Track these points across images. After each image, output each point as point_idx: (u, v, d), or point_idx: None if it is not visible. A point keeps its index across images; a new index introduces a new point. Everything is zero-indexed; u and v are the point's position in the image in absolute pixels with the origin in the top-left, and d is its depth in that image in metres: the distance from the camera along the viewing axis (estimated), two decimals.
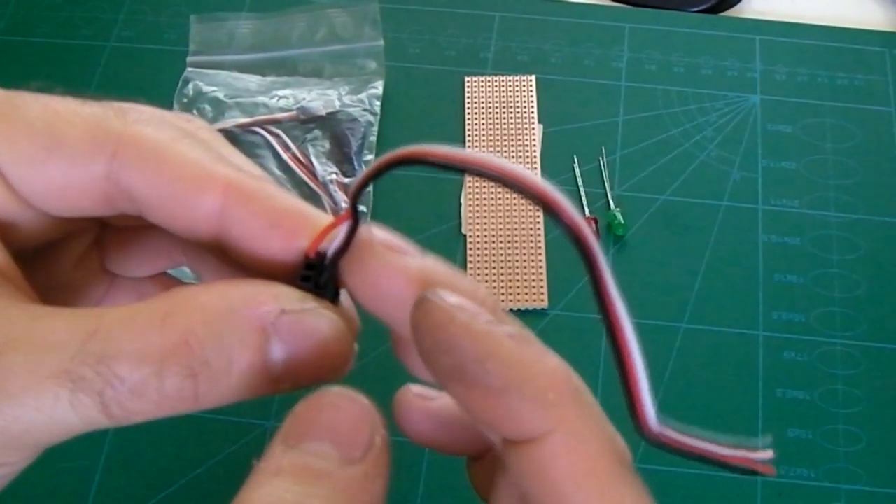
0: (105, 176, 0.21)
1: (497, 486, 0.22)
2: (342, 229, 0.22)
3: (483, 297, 0.21)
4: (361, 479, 0.19)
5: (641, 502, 0.19)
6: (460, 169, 0.19)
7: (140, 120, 0.22)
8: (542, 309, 0.47)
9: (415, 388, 0.25)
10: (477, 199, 0.50)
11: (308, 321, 0.20)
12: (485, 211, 0.50)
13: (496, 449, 0.21)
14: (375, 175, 0.21)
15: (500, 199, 0.50)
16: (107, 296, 0.27)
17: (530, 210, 0.50)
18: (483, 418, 0.19)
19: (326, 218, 0.22)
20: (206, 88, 0.53)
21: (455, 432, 0.25)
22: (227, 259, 0.23)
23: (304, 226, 0.22)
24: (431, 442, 0.25)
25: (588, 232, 0.19)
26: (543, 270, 0.48)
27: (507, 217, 0.49)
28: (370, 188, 0.50)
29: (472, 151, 0.19)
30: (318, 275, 0.22)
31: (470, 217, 0.50)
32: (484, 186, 0.51)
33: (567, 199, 0.19)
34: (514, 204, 0.50)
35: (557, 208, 0.19)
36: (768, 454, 0.21)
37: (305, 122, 0.52)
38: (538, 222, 0.49)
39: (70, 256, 0.25)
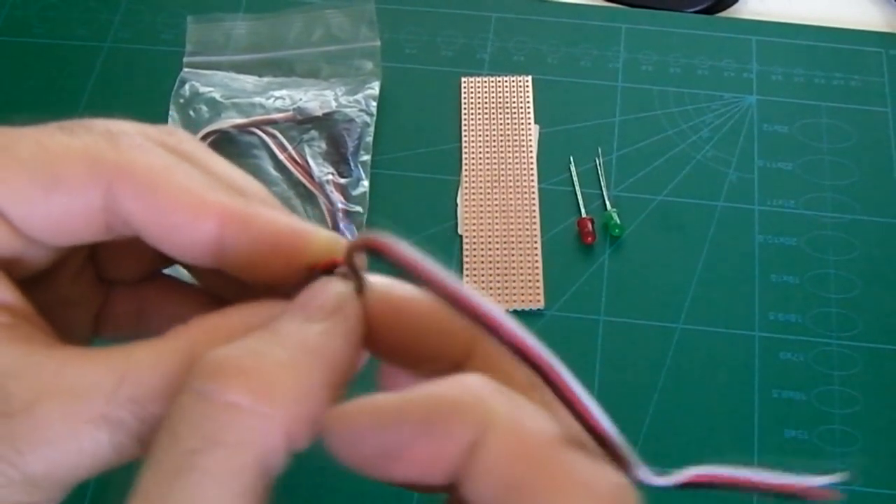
0: (102, 207, 0.22)
1: None
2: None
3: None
4: (318, 335, 0.20)
5: (596, 464, 0.19)
6: (416, 279, 0.20)
7: (132, 146, 0.22)
8: (539, 310, 0.47)
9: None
10: (473, 199, 0.50)
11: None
12: (481, 212, 0.50)
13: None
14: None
15: (496, 200, 0.50)
16: (106, 303, 0.27)
17: (527, 211, 0.50)
18: (435, 475, 0.19)
19: (323, 232, 0.23)
20: (202, 89, 0.53)
21: None
22: (227, 289, 0.24)
23: (301, 245, 0.22)
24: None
25: (537, 350, 0.20)
26: (540, 271, 0.48)
27: (504, 218, 0.49)
28: (366, 188, 0.50)
29: (436, 271, 0.20)
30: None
31: (466, 218, 0.50)
32: (481, 187, 0.51)
33: (511, 321, 0.19)
34: (511, 205, 0.50)
35: (501, 331, 0.19)
36: (829, 479, 0.20)
37: (302, 122, 0.52)
38: (535, 223, 0.49)
39: (67, 273, 0.26)
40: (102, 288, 0.27)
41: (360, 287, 0.22)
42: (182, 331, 0.21)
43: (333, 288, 0.21)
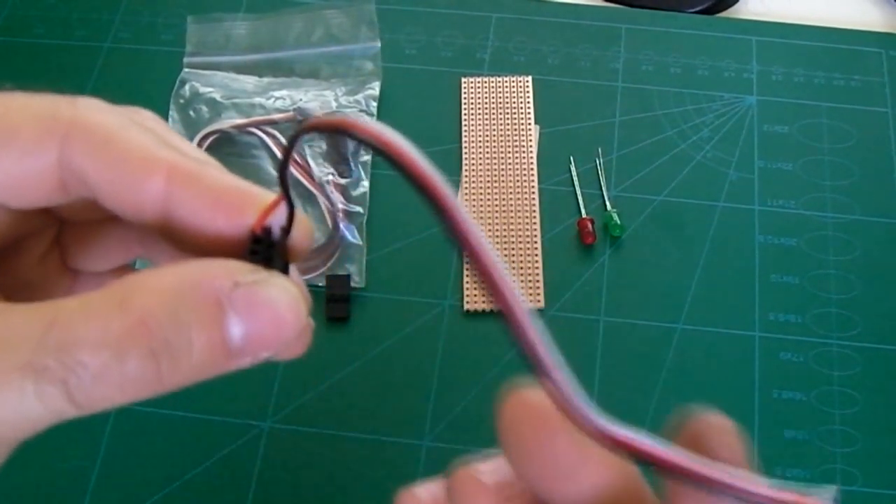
0: (58, 163, 0.22)
1: None
2: (283, 206, 0.22)
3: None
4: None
5: None
6: (375, 149, 0.20)
7: (89, 106, 0.23)
8: (539, 310, 0.47)
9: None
10: (474, 199, 0.50)
11: (261, 291, 0.20)
12: (481, 212, 0.50)
13: None
14: (294, 142, 0.21)
15: (496, 200, 0.50)
16: (70, 292, 0.27)
17: (527, 211, 0.50)
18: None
19: (269, 194, 0.23)
20: (202, 89, 0.53)
21: None
22: (181, 246, 0.23)
23: (247, 202, 0.22)
24: None
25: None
26: (540, 271, 0.48)
27: (504, 218, 0.49)
28: (366, 188, 0.50)
29: (393, 137, 0.20)
30: (266, 249, 0.22)
31: None
32: (481, 187, 0.51)
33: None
34: (511, 205, 0.50)
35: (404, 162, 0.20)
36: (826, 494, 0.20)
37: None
38: (535, 223, 0.49)
39: (31, 256, 0.26)
40: (68, 275, 0.27)
41: (285, 236, 0.22)
42: (114, 283, 0.20)
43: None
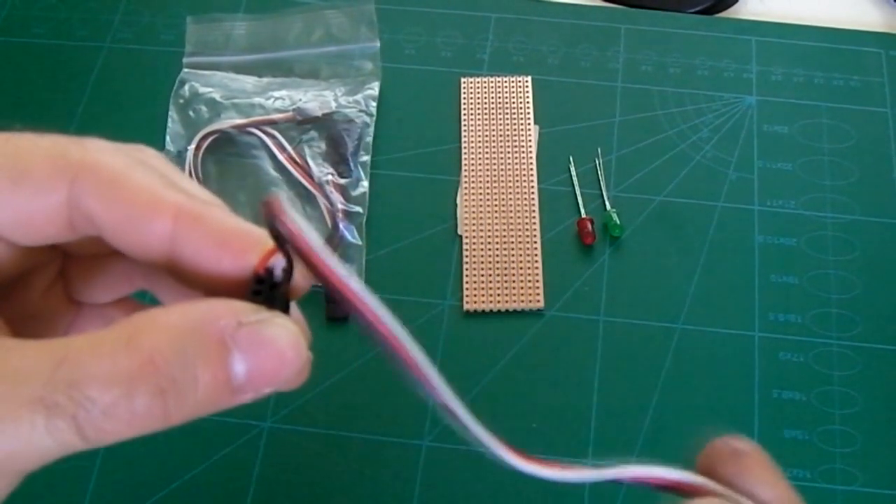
0: (66, 202, 0.23)
1: None
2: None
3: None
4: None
5: None
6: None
7: (98, 148, 0.24)
8: (539, 310, 0.47)
9: None
10: (473, 200, 0.50)
11: (264, 330, 0.21)
12: (481, 212, 0.50)
13: None
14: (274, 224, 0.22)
15: (496, 200, 0.50)
16: (74, 323, 0.28)
17: (527, 211, 0.50)
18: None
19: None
20: (202, 89, 0.53)
21: None
22: (185, 282, 0.24)
23: (250, 245, 0.23)
24: None
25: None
26: (539, 271, 0.48)
27: (504, 218, 0.49)
28: (366, 188, 0.50)
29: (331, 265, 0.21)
30: (268, 289, 0.23)
31: (466, 218, 0.50)
32: (480, 187, 0.51)
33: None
34: (511, 205, 0.50)
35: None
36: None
37: (302, 123, 0.52)
38: (534, 223, 0.49)
39: (37, 288, 0.26)
40: (72, 307, 0.28)
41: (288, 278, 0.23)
42: (123, 321, 0.21)
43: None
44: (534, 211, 0.50)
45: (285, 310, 0.23)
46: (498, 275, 0.48)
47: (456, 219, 0.50)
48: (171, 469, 0.43)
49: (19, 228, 0.23)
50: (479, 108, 0.53)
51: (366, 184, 0.50)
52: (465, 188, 0.51)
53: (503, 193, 0.50)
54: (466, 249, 0.49)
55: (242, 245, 0.23)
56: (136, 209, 0.23)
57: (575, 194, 0.50)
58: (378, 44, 0.55)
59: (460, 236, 0.49)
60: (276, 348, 0.21)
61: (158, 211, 0.23)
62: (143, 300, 0.29)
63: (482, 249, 0.49)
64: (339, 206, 0.49)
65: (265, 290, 0.23)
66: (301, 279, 0.24)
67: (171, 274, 0.24)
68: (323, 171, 0.50)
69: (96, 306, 0.28)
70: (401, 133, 0.53)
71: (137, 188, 0.23)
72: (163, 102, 0.53)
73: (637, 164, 0.52)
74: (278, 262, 0.23)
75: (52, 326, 0.27)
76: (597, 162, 0.52)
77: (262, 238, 0.23)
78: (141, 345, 0.20)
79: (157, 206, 0.23)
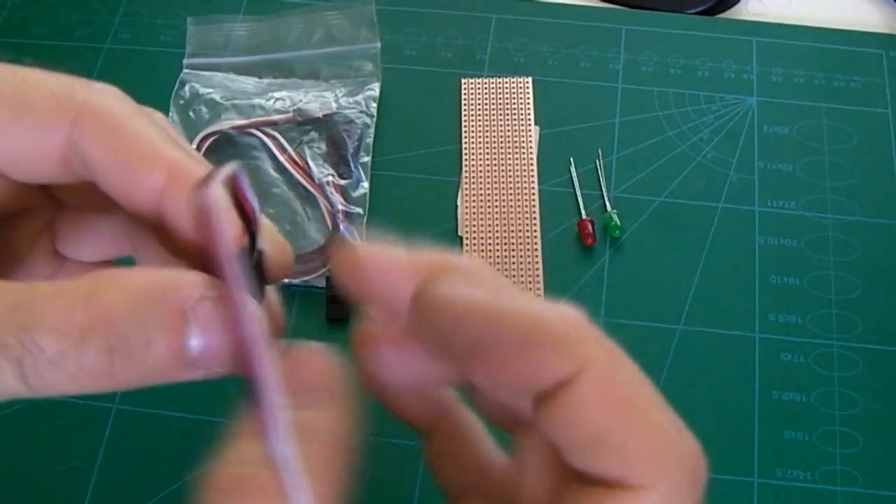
0: (65, 141, 0.23)
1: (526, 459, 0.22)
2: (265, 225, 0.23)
3: (480, 271, 0.21)
4: (317, 422, 0.21)
5: (679, 429, 0.19)
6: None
7: (104, 92, 0.24)
8: None
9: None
10: (474, 201, 0.50)
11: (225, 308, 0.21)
12: (482, 213, 0.50)
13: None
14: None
15: (496, 201, 0.50)
16: (54, 277, 0.27)
17: (527, 212, 0.50)
18: (512, 385, 0.19)
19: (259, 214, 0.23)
20: (202, 90, 0.53)
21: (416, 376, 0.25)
22: (170, 249, 0.24)
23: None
24: (389, 398, 0.26)
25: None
26: (540, 272, 0.48)
27: (504, 219, 0.49)
28: (366, 189, 0.50)
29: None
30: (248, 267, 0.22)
31: (467, 219, 0.50)
32: (481, 188, 0.51)
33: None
34: (511, 206, 0.50)
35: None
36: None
37: (302, 124, 0.52)
38: (535, 224, 0.49)
39: (25, 234, 0.26)
40: (55, 260, 0.27)
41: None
42: (88, 276, 0.21)
43: (323, 369, 0.22)
44: (534, 212, 0.50)
45: (260, 290, 0.23)
46: None
47: (456, 220, 0.50)
48: (170, 470, 0.43)
49: (14, 163, 0.23)
50: (479, 109, 0.53)
51: (366, 185, 0.50)
52: (466, 189, 0.51)
53: (504, 194, 0.50)
54: (467, 250, 0.49)
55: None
56: (131, 158, 0.23)
57: (575, 195, 0.50)
58: (378, 45, 0.55)
59: (461, 237, 0.49)
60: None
61: (152, 164, 0.23)
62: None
63: (483, 250, 0.49)
64: (340, 207, 0.49)
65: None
66: (279, 260, 0.24)
67: (158, 236, 0.24)
68: (323, 172, 0.50)
69: (78, 264, 0.28)
70: (401, 134, 0.53)
71: (136, 137, 0.23)
72: (163, 103, 0.53)
73: (637, 165, 0.52)
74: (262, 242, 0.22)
75: (32, 274, 0.27)
76: (597, 163, 0.51)
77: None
78: (99, 300, 0.20)
79: (152, 158, 0.23)
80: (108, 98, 0.23)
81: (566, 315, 0.20)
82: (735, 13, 0.58)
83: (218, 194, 0.19)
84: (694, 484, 0.19)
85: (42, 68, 0.24)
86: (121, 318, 0.20)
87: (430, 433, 0.26)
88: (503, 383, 0.20)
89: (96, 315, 0.20)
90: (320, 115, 0.52)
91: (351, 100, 0.53)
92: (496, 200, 0.50)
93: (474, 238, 0.49)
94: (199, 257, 0.22)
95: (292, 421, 0.20)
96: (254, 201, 0.22)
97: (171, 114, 0.52)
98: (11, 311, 0.20)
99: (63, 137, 0.23)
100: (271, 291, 0.24)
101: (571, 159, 0.52)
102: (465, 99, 0.54)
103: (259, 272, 0.23)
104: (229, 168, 0.21)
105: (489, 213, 0.50)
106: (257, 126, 0.51)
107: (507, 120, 0.53)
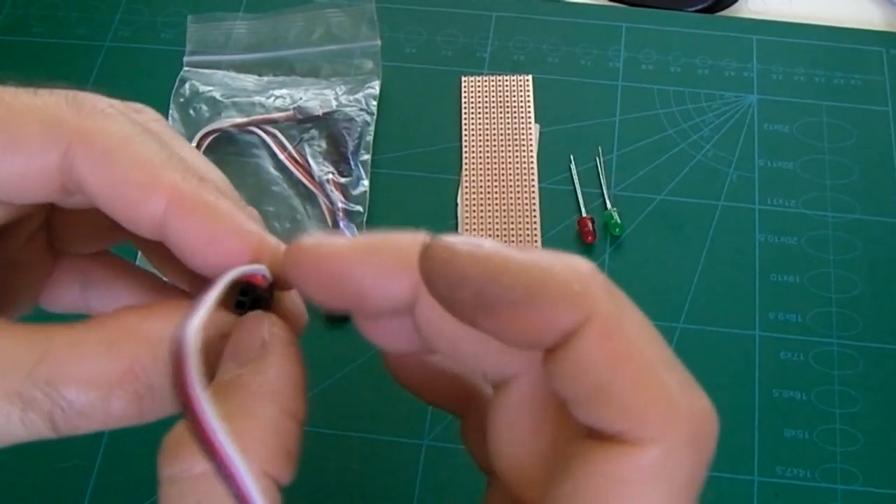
0: (59, 169, 0.22)
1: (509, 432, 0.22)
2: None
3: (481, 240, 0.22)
4: (251, 376, 0.21)
5: (686, 385, 0.19)
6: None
7: (94, 111, 0.23)
8: None
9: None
10: (474, 199, 0.50)
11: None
12: (481, 211, 0.50)
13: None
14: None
15: (496, 199, 0.50)
16: (53, 272, 0.28)
17: (527, 210, 0.50)
18: (518, 338, 0.19)
19: (264, 238, 0.23)
20: (202, 88, 0.53)
21: (439, 378, 0.25)
22: (172, 269, 0.24)
23: (240, 245, 0.23)
24: (418, 387, 0.26)
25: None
26: None
27: (504, 217, 0.49)
28: (366, 187, 0.50)
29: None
30: (251, 302, 0.23)
31: (467, 217, 0.50)
32: (481, 186, 0.51)
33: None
34: (511, 204, 0.50)
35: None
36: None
37: (302, 121, 0.52)
38: (535, 222, 0.49)
39: (21, 236, 0.26)
40: (52, 256, 0.27)
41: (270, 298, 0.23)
42: (106, 322, 0.21)
43: (259, 332, 0.22)
44: (534, 210, 0.50)
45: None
46: None
47: (456, 218, 0.50)
48: None
49: (9, 190, 0.23)
50: (479, 107, 0.53)
51: (366, 183, 0.50)
52: (466, 187, 0.51)
53: (504, 192, 0.50)
54: None
55: (230, 248, 0.22)
56: (128, 189, 0.22)
57: (575, 193, 0.50)
58: (378, 42, 0.55)
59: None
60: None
61: (151, 192, 0.22)
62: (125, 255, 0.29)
63: None
64: (340, 205, 0.49)
65: (248, 303, 0.23)
66: (292, 307, 0.24)
67: (156, 259, 0.24)
68: (323, 170, 0.50)
69: (75, 257, 0.28)
70: (401, 132, 0.53)
71: (132, 164, 0.22)
72: (163, 101, 0.53)
73: (638, 162, 0.52)
74: (259, 272, 0.23)
75: (31, 275, 0.27)
76: (597, 161, 0.51)
77: (252, 237, 0.23)
78: (121, 352, 0.21)
79: (150, 186, 0.22)
80: (100, 121, 0.22)
81: (574, 265, 0.19)
82: (735, 11, 0.58)
83: (190, 338, 0.19)
84: (698, 443, 0.18)
85: (31, 81, 0.23)
86: (144, 369, 0.21)
87: (464, 413, 0.26)
88: (512, 338, 0.19)
89: (121, 367, 0.21)
90: (320, 112, 0.52)
91: (351, 98, 0.52)
92: (496, 198, 0.50)
93: (474, 236, 0.49)
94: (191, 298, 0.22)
95: (231, 380, 0.21)
96: (268, 279, 0.22)
97: (171, 112, 0.52)
98: (36, 365, 0.20)
99: (55, 166, 0.22)
100: (294, 295, 0.24)
101: (571, 157, 0.52)
102: (465, 97, 0.54)
103: (268, 306, 0.23)
104: (237, 272, 0.21)
105: (489, 210, 0.50)
106: (257, 124, 0.51)
107: (508, 118, 0.53)
